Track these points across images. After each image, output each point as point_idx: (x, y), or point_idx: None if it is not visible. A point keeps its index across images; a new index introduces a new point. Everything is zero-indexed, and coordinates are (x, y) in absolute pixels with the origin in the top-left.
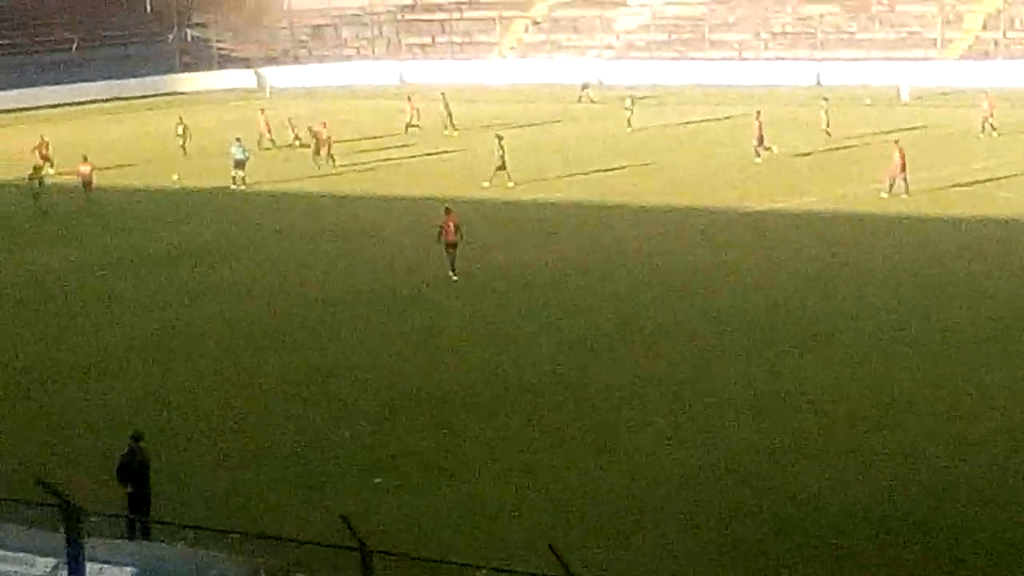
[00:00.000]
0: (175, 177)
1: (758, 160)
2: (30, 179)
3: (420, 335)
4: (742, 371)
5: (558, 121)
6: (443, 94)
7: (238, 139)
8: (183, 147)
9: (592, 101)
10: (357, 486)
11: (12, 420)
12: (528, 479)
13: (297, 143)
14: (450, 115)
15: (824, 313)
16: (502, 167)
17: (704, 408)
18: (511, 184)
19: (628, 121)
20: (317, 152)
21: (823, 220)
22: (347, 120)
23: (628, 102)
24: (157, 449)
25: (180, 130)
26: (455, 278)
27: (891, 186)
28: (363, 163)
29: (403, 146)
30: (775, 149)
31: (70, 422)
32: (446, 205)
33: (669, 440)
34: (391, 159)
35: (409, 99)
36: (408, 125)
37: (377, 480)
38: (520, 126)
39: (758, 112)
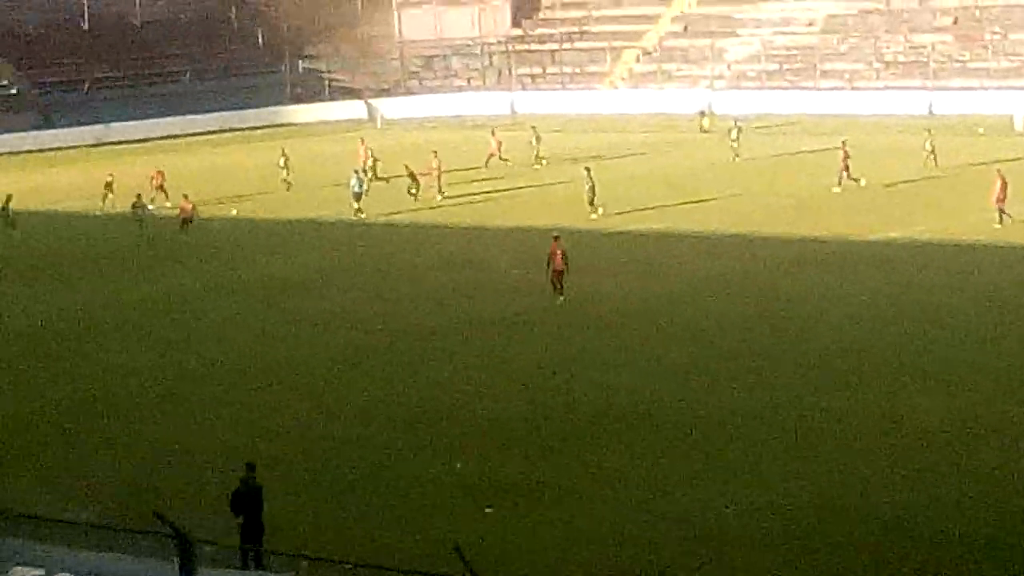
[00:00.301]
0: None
1: (836, 189)
2: (134, 208)
3: (526, 364)
4: (849, 401)
5: (666, 151)
6: (534, 127)
7: (356, 171)
8: (286, 180)
9: (704, 130)
10: (468, 516)
11: (126, 449)
12: (637, 508)
13: (373, 174)
14: (538, 148)
15: (936, 341)
16: (592, 199)
17: (811, 438)
18: (593, 216)
19: (734, 150)
20: (414, 183)
21: (934, 249)
22: (459, 149)
23: (734, 133)
24: (269, 479)
25: (282, 162)
26: (561, 300)
27: (1000, 215)
28: (471, 193)
29: (500, 177)
30: (863, 181)
31: (182, 451)
32: (554, 233)
33: (774, 470)
34: (499, 190)
35: (493, 133)
36: (490, 157)
37: (488, 509)
38: (627, 155)
39: (843, 141)
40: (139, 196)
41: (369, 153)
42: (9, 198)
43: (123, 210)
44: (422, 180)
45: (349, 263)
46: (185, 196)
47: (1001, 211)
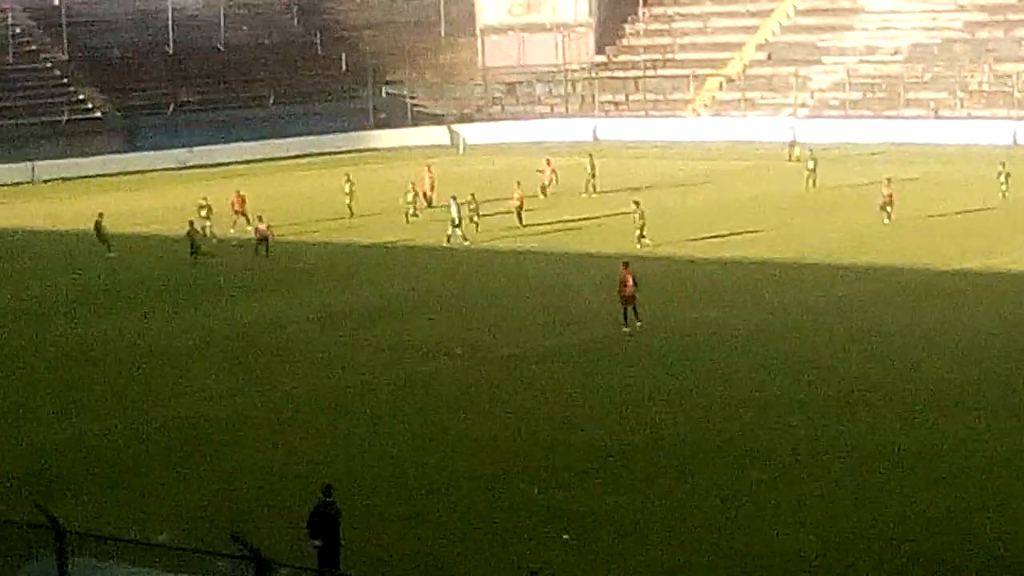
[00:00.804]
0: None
1: (886, 221)
2: (188, 235)
3: (609, 392)
4: (941, 434)
5: (747, 179)
6: (591, 155)
7: (454, 197)
8: (349, 206)
9: (796, 159)
10: (546, 543)
11: (207, 473)
12: (718, 541)
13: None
14: (593, 176)
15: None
16: (641, 232)
17: (899, 471)
18: (639, 247)
19: (811, 180)
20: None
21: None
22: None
23: (810, 163)
24: (347, 503)
25: (347, 188)
26: (627, 330)
27: None
28: (548, 221)
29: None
30: (891, 216)
31: (264, 477)
32: (624, 260)
33: (865, 503)
34: (579, 216)
35: (548, 162)
36: (544, 188)
37: (566, 536)
38: (705, 183)
39: (888, 179)
40: (191, 223)
41: (433, 180)
42: (101, 216)
43: (221, 234)
44: (514, 206)
45: (433, 289)
46: (260, 218)
47: None
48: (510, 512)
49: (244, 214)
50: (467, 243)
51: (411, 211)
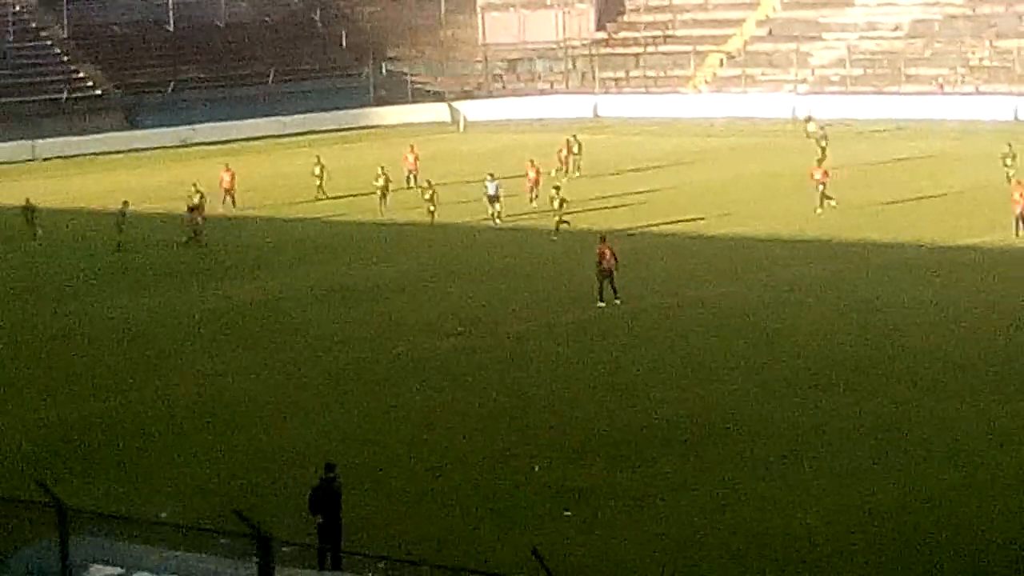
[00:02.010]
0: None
1: (819, 211)
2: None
3: (610, 369)
4: (942, 411)
5: (750, 155)
6: (574, 136)
7: (491, 174)
8: (320, 187)
9: (810, 135)
10: (547, 520)
11: (210, 450)
12: (720, 516)
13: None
14: (579, 155)
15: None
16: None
17: (900, 448)
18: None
19: (822, 153)
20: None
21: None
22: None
23: (824, 142)
24: (349, 481)
25: (317, 170)
26: (602, 305)
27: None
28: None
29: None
30: (823, 205)
31: (267, 455)
32: (601, 234)
33: (866, 480)
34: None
35: (532, 162)
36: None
37: (567, 512)
38: (709, 160)
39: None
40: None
41: (415, 159)
42: (28, 200)
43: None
44: (527, 188)
45: (432, 266)
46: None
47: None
48: (512, 489)
49: (232, 193)
50: (499, 223)
51: (383, 198)
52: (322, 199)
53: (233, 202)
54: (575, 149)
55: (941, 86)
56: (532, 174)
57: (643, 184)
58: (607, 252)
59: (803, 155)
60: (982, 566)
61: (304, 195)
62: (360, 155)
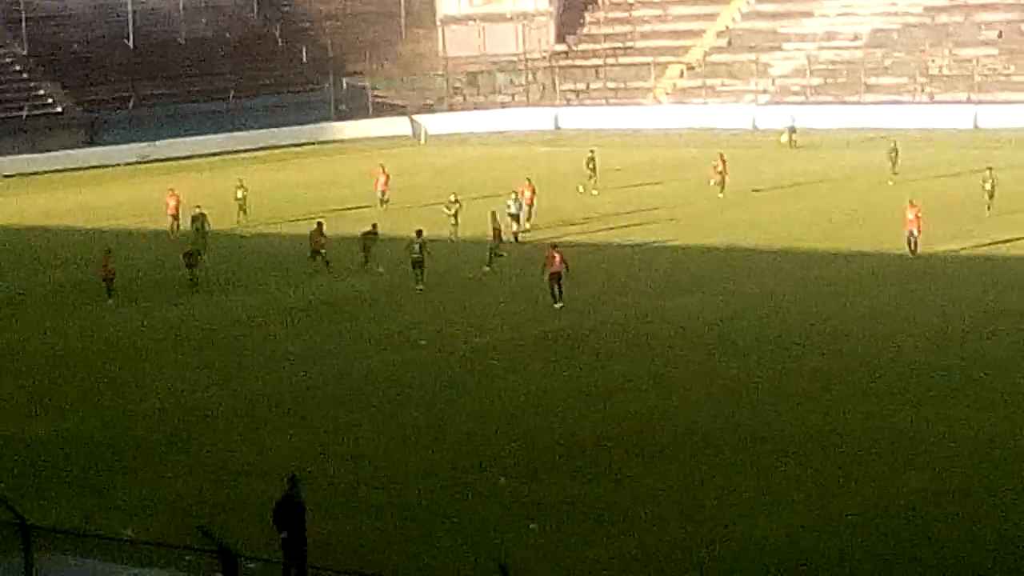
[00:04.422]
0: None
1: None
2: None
3: (579, 381)
4: (907, 418)
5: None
6: (592, 151)
7: (514, 192)
8: (242, 209)
9: (794, 146)
10: (514, 532)
11: (175, 466)
12: (688, 528)
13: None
14: (594, 171)
15: (984, 356)
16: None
17: (867, 456)
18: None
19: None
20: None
21: (987, 263)
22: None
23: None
24: (316, 496)
25: (239, 193)
26: (558, 306)
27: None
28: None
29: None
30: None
31: (231, 469)
32: (551, 242)
33: (832, 489)
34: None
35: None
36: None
37: (533, 526)
38: (672, 169)
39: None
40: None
41: (387, 180)
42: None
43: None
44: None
45: (395, 282)
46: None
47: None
48: (477, 502)
49: (177, 217)
50: (522, 241)
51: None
52: (242, 224)
53: (178, 227)
54: (586, 165)
55: (931, 96)
56: (528, 193)
57: (606, 196)
58: (556, 257)
59: (766, 165)
60: (952, 573)
61: (269, 211)
62: (319, 170)
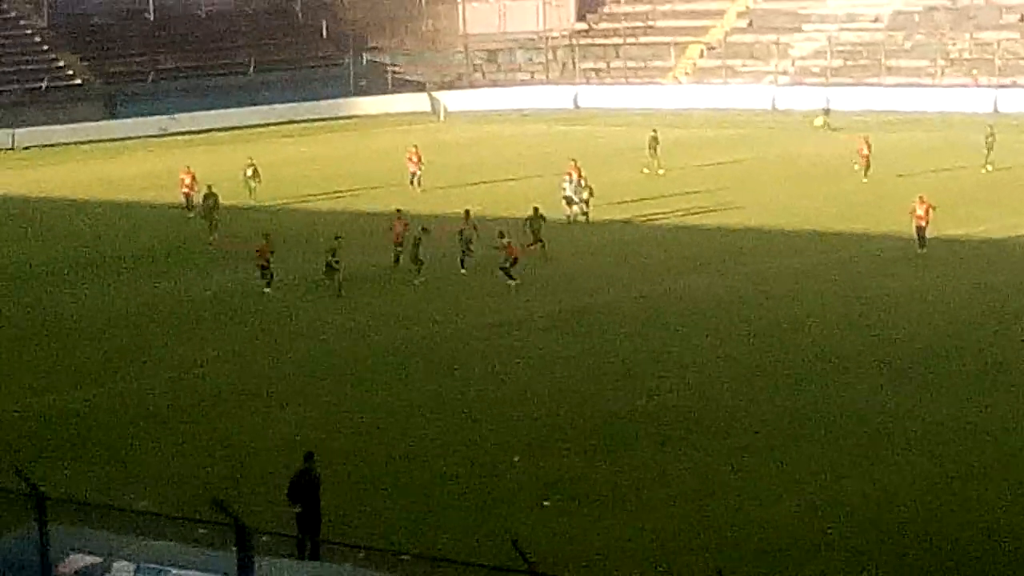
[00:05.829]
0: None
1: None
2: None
3: (593, 359)
4: (916, 401)
5: (732, 146)
6: (655, 130)
7: (568, 174)
8: (250, 189)
9: (832, 128)
10: (527, 510)
11: (190, 441)
12: (697, 508)
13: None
14: (656, 152)
15: (999, 341)
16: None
17: (881, 439)
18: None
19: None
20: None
21: (999, 247)
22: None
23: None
24: (330, 472)
25: (249, 172)
26: (515, 283)
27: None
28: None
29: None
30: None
31: (246, 444)
32: (500, 229)
33: (845, 471)
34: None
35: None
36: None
37: (546, 503)
38: (687, 151)
39: (865, 137)
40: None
41: (419, 159)
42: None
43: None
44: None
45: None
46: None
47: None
48: (489, 478)
49: (190, 195)
50: (583, 221)
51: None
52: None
53: (190, 207)
54: (647, 148)
55: (976, 78)
56: (575, 175)
57: (624, 174)
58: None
59: (788, 145)
60: (957, 557)
61: (279, 187)
62: (339, 144)
